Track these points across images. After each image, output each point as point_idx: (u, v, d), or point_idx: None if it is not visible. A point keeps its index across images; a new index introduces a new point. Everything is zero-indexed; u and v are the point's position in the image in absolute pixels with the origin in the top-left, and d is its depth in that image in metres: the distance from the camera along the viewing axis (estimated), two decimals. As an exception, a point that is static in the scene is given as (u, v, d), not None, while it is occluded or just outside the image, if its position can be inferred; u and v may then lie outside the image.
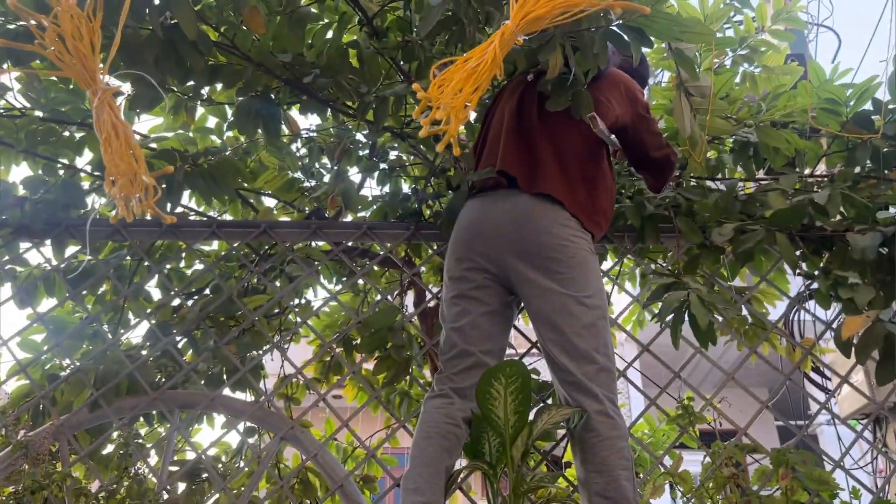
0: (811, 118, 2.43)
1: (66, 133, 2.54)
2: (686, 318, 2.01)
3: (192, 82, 2.33)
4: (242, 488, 2.68)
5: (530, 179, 1.87)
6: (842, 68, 2.52)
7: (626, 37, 1.46)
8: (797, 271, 2.30)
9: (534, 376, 2.51)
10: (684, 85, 1.85)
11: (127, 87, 2.44)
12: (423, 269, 3.36)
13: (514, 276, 1.81)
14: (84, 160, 2.62)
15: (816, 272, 2.23)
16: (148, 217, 1.21)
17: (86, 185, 2.68)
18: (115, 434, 2.33)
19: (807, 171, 2.60)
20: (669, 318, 2.06)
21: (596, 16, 1.31)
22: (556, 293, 1.74)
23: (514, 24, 0.97)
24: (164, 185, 2.44)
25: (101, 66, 0.94)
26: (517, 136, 1.96)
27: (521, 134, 1.96)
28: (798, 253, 2.27)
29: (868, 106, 2.42)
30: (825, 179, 2.49)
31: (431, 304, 2.91)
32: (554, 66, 1.47)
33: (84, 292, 2.67)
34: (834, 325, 2.22)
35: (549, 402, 2.38)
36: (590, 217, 1.90)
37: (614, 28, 1.46)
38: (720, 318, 2.19)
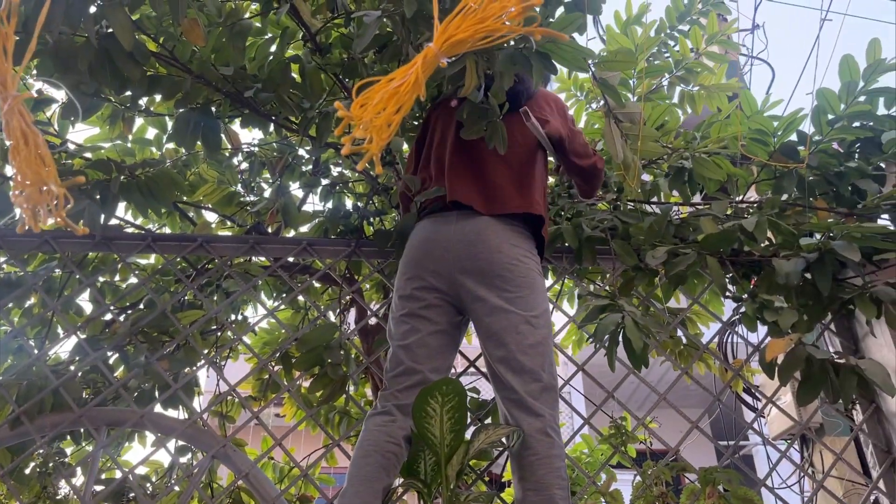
0: (741, 147, 2.51)
1: (-5, 140, 2.46)
2: (621, 340, 2.04)
3: (129, 92, 2.28)
4: (172, 509, 2.61)
5: (487, 203, 1.90)
6: (777, 98, 2.63)
7: (532, 61, 1.49)
8: (726, 294, 2.37)
9: (472, 395, 2.52)
10: (613, 112, 1.90)
11: (62, 95, 2.39)
12: (367, 286, 3.35)
13: (464, 294, 1.83)
14: (12, 168, 2.53)
15: (745, 295, 2.30)
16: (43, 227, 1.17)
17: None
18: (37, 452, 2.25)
19: (738, 198, 2.69)
20: (605, 339, 2.09)
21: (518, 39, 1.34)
22: (506, 311, 1.77)
23: (437, 47, 0.98)
24: (98, 197, 2.39)
25: (14, 71, 0.91)
26: (465, 160, 1.99)
27: (469, 156, 2.00)
28: (728, 276, 2.34)
29: (794, 137, 2.52)
30: (755, 206, 2.58)
31: (372, 321, 2.89)
32: (469, 84, 1.50)
33: (10, 305, 2.58)
34: (761, 348, 2.28)
35: (488, 421, 2.39)
36: (546, 217, 1.98)
37: (521, 52, 1.48)
38: (657, 339, 2.24)
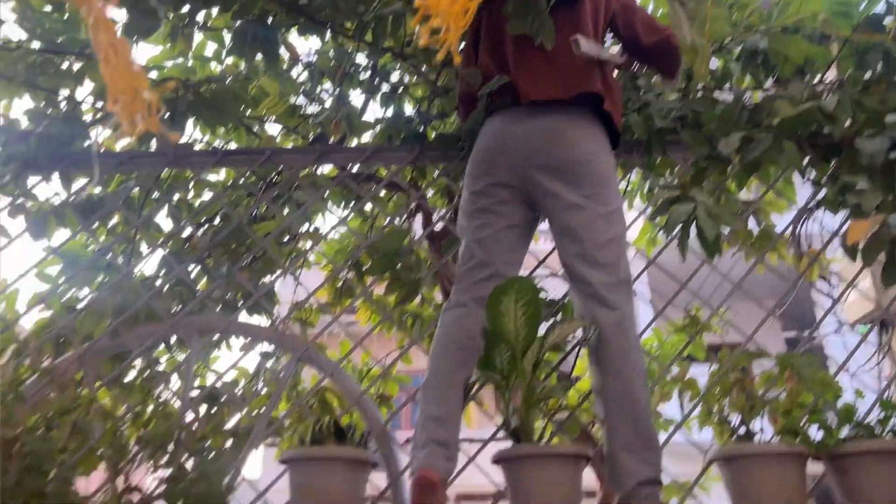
0: (822, 22, 2.36)
1: (65, 64, 2.51)
2: (693, 230, 2.01)
3: (187, 6, 2.28)
4: (262, 409, 2.77)
5: (564, 87, 1.84)
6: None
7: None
8: (805, 178, 2.29)
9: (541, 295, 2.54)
10: (674, -7, 1.79)
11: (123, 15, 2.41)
12: (430, 191, 3.37)
13: (538, 190, 1.81)
14: (84, 91, 2.60)
15: (824, 179, 2.22)
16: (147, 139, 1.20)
17: (87, 117, 2.67)
18: (136, 361, 2.39)
19: (816, 79, 2.55)
20: (677, 230, 2.06)
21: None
22: (581, 208, 1.75)
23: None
24: (167, 115, 2.43)
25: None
26: (531, 52, 1.90)
27: (534, 47, 1.91)
28: (806, 160, 2.25)
29: (880, 8, 2.35)
30: (834, 86, 2.44)
31: (439, 226, 2.92)
32: None
33: (95, 224, 2.70)
34: (841, 233, 2.22)
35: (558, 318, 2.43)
36: (618, 112, 1.92)
37: None
38: (727, 230, 2.20)
